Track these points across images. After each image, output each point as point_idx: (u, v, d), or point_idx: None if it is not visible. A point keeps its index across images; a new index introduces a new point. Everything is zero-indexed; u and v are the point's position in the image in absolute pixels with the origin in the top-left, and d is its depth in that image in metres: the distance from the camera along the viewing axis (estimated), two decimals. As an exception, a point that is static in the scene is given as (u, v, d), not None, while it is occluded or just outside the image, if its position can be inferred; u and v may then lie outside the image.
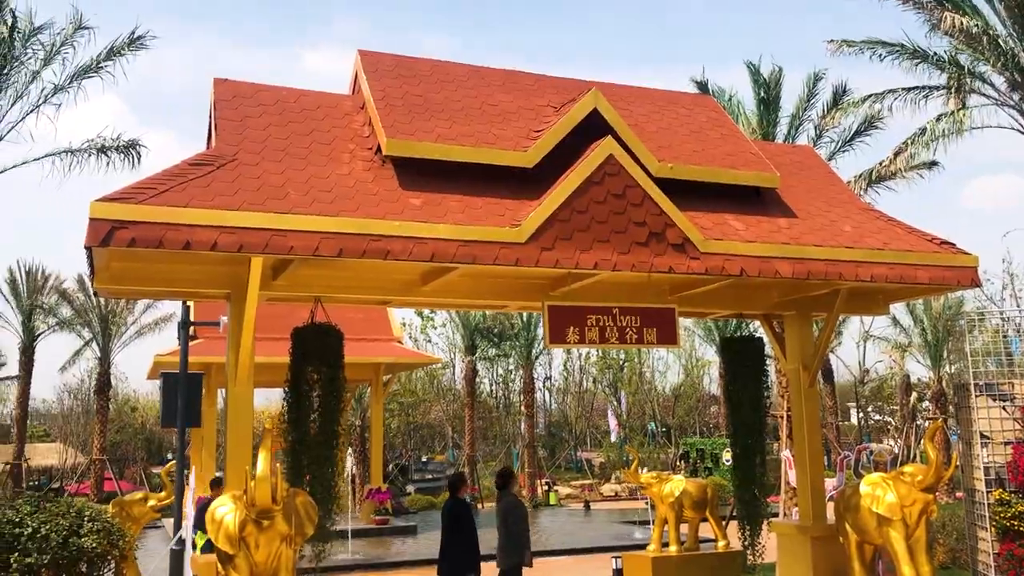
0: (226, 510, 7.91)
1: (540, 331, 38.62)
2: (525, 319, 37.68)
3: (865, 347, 47.06)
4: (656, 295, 11.05)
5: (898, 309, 31.94)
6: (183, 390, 14.67)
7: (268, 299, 10.09)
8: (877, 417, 53.78)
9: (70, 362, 35.12)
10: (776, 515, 16.63)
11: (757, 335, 13.98)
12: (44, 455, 38.05)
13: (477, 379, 60.66)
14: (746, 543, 12.63)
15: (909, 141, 18.84)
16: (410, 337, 61.56)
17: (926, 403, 36.51)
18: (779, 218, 10.77)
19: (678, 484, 14.02)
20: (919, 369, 43.35)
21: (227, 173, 8.51)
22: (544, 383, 61.02)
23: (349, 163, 9.36)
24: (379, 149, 9.43)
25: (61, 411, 42.29)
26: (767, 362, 12.92)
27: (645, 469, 17.10)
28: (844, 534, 10.47)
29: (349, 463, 19.23)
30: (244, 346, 8.89)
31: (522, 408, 40.63)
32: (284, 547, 7.98)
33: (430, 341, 58.90)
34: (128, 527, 10.95)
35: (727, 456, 36.81)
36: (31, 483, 35.81)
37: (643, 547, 18.18)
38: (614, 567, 14.64)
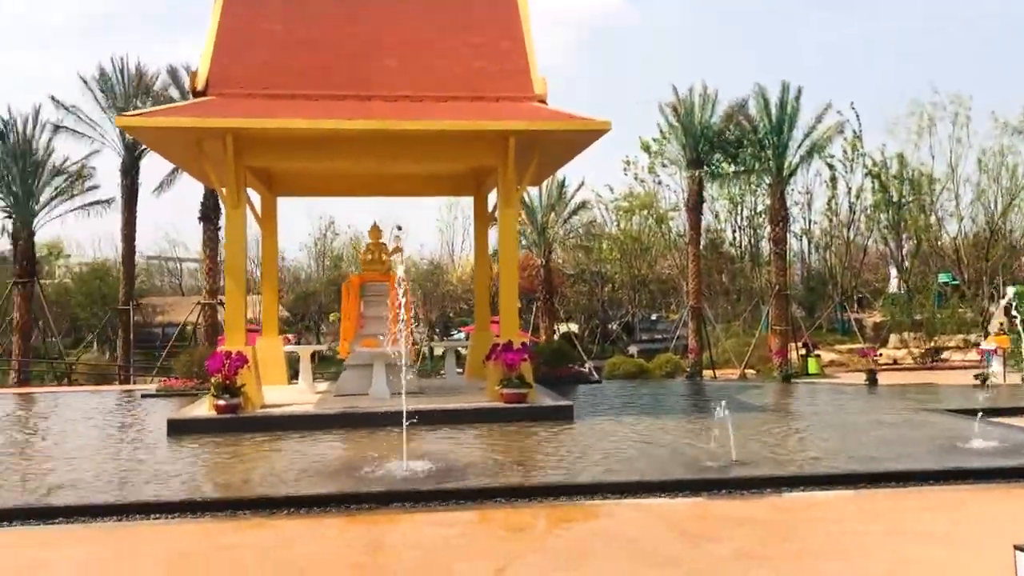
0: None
1: (795, 132, 27.36)
2: (775, 114, 26.55)
3: None
4: None
5: None
6: None
7: None
8: None
9: (167, 181, 28.37)
10: None
11: None
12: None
13: (717, 224, 49.86)
14: None
15: None
16: (635, 178, 51.56)
17: None
18: None
19: None
20: None
21: None
22: (802, 233, 49.28)
23: None
24: None
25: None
26: None
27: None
28: None
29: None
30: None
31: (770, 244, 29.77)
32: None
33: (660, 183, 48.64)
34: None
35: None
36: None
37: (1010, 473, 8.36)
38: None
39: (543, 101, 14.16)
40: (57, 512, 7.92)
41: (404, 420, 9.48)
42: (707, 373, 27.16)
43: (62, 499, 8.21)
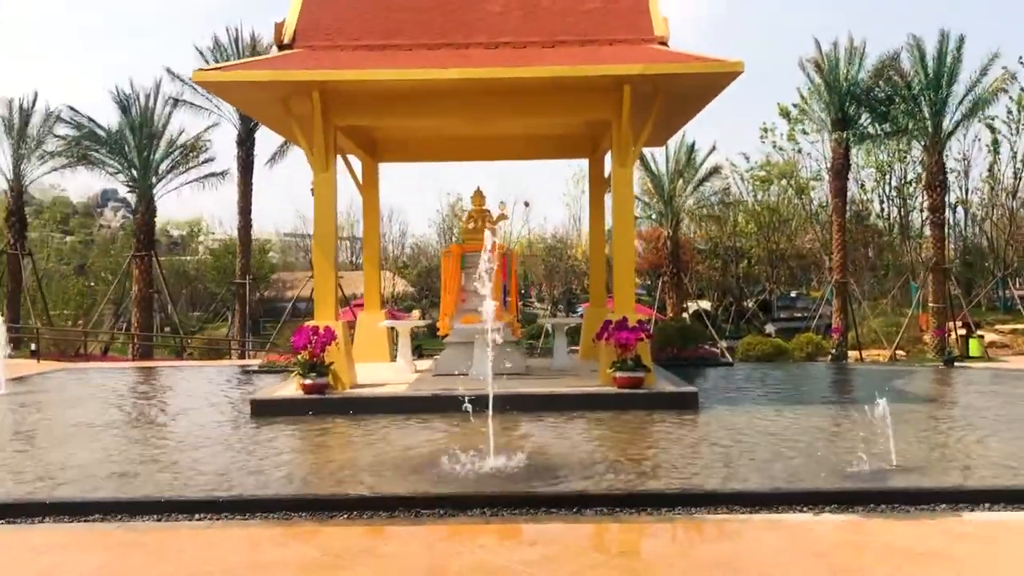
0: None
1: (955, 87, 24.38)
2: (932, 67, 23.68)
3: None
4: None
5: None
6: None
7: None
8: None
9: (280, 153, 27.92)
10: None
11: None
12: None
13: (863, 195, 46.30)
14: None
15: None
16: (774, 146, 48.38)
17: None
18: None
19: None
20: None
21: None
22: (958, 203, 45.27)
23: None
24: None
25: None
26: None
27: None
28: None
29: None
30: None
31: (924, 213, 26.88)
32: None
33: (800, 151, 45.59)
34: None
35: None
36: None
37: None
38: None
39: (664, 43, 12.41)
40: (93, 508, 6.95)
41: (489, 408, 8.14)
42: (852, 355, 24.77)
43: (100, 494, 7.24)
